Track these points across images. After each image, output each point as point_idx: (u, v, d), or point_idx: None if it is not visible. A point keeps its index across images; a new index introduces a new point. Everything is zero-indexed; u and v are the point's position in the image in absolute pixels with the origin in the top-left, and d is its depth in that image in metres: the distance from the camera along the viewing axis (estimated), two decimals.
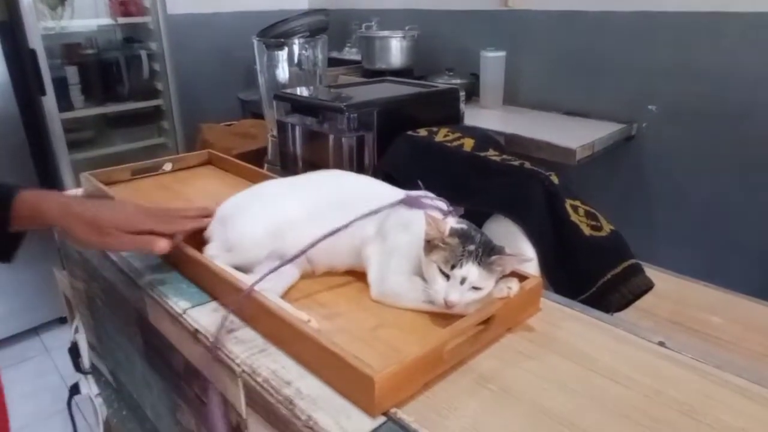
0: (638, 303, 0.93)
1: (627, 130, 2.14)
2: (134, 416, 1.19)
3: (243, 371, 0.67)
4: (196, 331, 0.75)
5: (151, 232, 0.80)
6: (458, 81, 2.51)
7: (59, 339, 2.55)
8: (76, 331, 1.41)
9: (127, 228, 0.79)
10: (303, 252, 0.79)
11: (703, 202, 2.02)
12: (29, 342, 2.59)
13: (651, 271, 0.95)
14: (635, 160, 2.17)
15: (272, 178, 1.12)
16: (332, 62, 2.99)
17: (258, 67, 1.53)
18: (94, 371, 1.41)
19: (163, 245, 0.79)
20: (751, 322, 1.03)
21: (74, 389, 1.49)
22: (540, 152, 1.95)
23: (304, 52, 1.48)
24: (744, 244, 1.94)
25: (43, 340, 2.61)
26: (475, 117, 2.30)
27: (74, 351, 1.42)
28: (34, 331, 2.63)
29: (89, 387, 1.45)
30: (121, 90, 2.76)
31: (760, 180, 1.87)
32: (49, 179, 2.48)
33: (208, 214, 0.89)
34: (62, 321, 2.61)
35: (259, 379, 0.65)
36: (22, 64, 2.31)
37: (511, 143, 2.02)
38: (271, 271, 0.76)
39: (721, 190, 1.97)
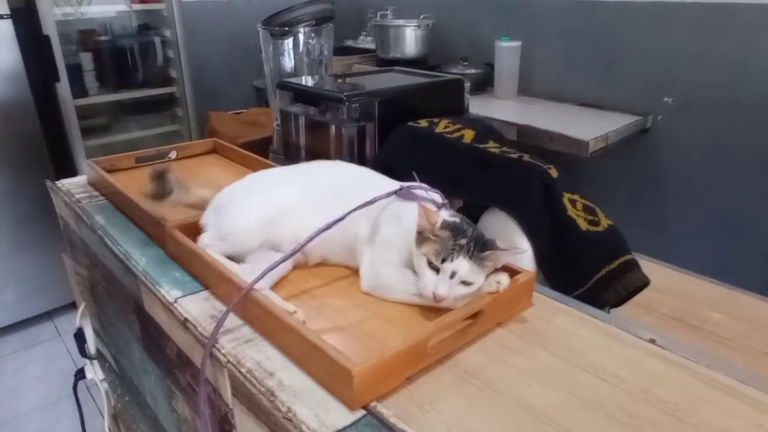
0: (639, 299, 0.92)
1: (642, 122, 2.10)
2: (136, 402, 1.20)
3: (228, 361, 0.67)
4: (186, 320, 0.75)
5: None
6: (473, 71, 2.49)
7: (72, 324, 2.57)
8: (83, 316, 1.43)
9: None
10: (300, 248, 0.78)
11: (719, 196, 1.99)
12: (43, 326, 2.63)
13: (654, 266, 0.94)
14: (650, 153, 2.14)
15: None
16: (347, 51, 2.99)
17: (263, 55, 1.53)
18: (100, 356, 1.43)
19: None
20: (754, 320, 1.01)
21: (80, 374, 1.51)
22: (553, 144, 1.93)
23: (310, 41, 1.47)
24: (758, 240, 1.91)
25: (56, 324, 2.65)
26: (489, 107, 2.28)
27: (80, 336, 1.44)
28: (47, 315, 2.67)
29: (95, 372, 1.46)
30: (135, 77, 2.78)
31: None
32: (64, 166, 2.50)
33: None
34: (75, 306, 2.64)
35: (243, 370, 0.65)
36: (37, 51, 2.33)
37: (524, 134, 2.00)
38: (271, 268, 0.74)
39: (738, 184, 1.93)
